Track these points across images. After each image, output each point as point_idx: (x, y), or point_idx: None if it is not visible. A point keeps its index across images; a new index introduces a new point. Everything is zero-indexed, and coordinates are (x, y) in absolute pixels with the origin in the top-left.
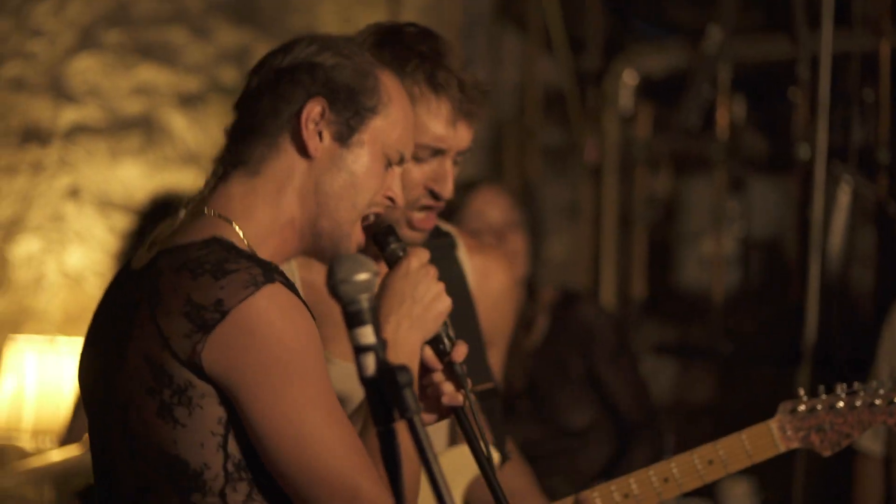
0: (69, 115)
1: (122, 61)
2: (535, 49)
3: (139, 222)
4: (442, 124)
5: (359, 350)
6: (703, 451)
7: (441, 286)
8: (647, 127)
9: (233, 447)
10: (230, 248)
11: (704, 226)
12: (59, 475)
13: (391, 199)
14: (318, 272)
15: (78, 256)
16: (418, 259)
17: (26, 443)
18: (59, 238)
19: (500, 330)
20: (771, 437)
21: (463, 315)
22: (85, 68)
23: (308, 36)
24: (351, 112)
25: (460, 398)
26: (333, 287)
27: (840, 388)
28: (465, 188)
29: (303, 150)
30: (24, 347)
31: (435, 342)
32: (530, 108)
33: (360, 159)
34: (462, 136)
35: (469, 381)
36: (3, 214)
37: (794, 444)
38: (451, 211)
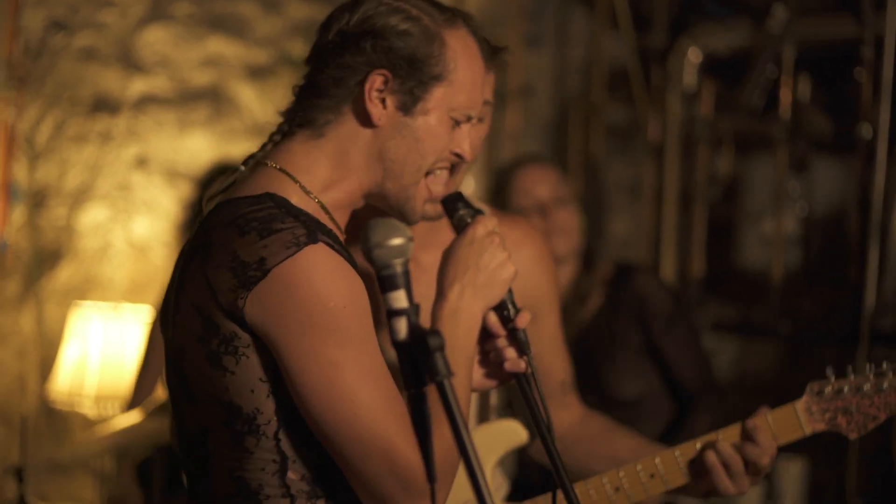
0: (138, 86)
1: (191, 33)
2: (601, 27)
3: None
4: None
5: (391, 314)
6: (729, 430)
7: (506, 254)
8: (711, 105)
9: (284, 394)
10: (281, 206)
11: (766, 205)
12: (119, 445)
13: (459, 155)
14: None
15: (144, 226)
16: (484, 226)
17: (89, 409)
18: (125, 207)
19: (540, 299)
20: (796, 419)
21: None
22: (155, 39)
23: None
24: (415, 81)
25: (522, 364)
26: (368, 251)
27: (868, 369)
28: (511, 166)
29: (366, 118)
30: (89, 314)
31: (499, 309)
32: (596, 86)
33: (426, 125)
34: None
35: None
36: (72, 183)
37: (821, 427)
38: (499, 188)
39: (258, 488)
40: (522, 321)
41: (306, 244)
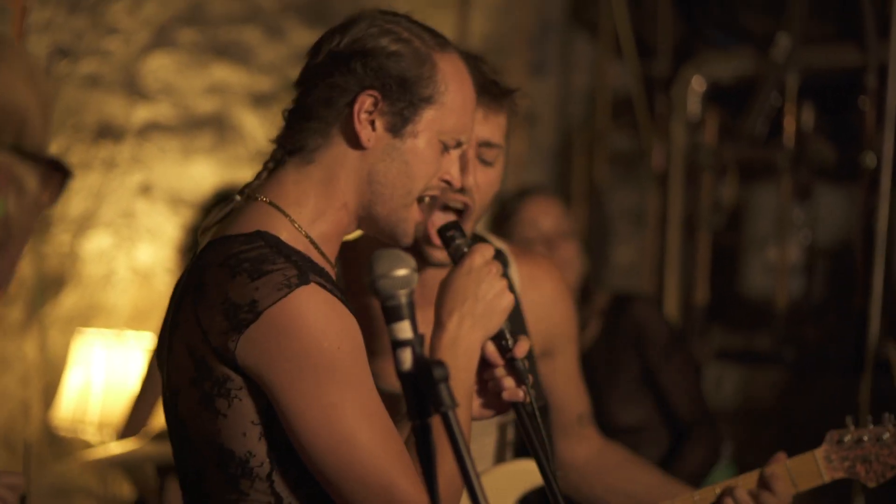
0: (142, 113)
1: (195, 60)
2: (605, 55)
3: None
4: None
5: (396, 345)
6: (747, 477)
7: (504, 283)
8: (715, 133)
9: (278, 435)
10: (272, 245)
11: (769, 233)
12: (122, 466)
13: (448, 181)
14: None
15: (148, 253)
16: (482, 256)
17: (91, 435)
18: (129, 234)
19: (559, 336)
20: (816, 466)
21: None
22: (159, 66)
23: (370, 15)
24: (405, 103)
25: (521, 394)
26: (372, 282)
27: (888, 419)
28: (517, 196)
29: (355, 140)
30: (92, 341)
31: (497, 338)
32: (599, 113)
33: (415, 148)
34: (476, 129)
35: (531, 378)
36: (76, 210)
37: (839, 475)
38: (504, 218)
39: None
40: (521, 350)
41: (298, 285)
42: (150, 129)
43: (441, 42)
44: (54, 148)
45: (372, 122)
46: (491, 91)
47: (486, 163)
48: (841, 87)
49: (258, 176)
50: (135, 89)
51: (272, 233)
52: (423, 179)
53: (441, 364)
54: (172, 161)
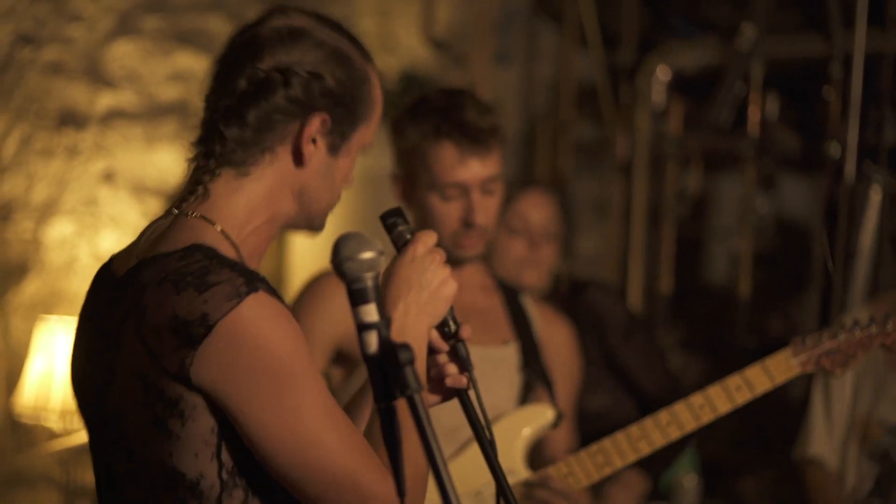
0: (106, 100)
1: (159, 47)
2: (569, 44)
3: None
4: (451, 164)
5: (361, 328)
6: (732, 379)
7: (447, 270)
8: (679, 123)
9: (226, 455)
10: (212, 256)
11: (734, 222)
12: (85, 455)
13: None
14: None
15: (111, 240)
16: (424, 244)
17: (54, 423)
18: (92, 222)
19: (564, 379)
20: (788, 361)
21: (530, 343)
22: (122, 54)
23: (302, 26)
24: (348, 124)
25: (464, 380)
26: (338, 265)
27: (839, 323)
28: (517, 186)
29: (298, 159)
30: (55, 328)
31: (440, 325)
32: (564, 102)
33: (344, 165)
34: (475, 171)
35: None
36: (39, 197)
37: (809, 368)
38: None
39: None
40: (464, 334)
41: (247, 293)
42: (113, 117)
43: (367, 53)
44: (17, 135)
45: (314, 141)
46: (479, 137)
47: (490, 192)
48: (805, 77)
49: (190, 193)
50: (98, 76)
51: (208, 244)
52: (340, 189)
53: (407, 347)
54: (136, 148)
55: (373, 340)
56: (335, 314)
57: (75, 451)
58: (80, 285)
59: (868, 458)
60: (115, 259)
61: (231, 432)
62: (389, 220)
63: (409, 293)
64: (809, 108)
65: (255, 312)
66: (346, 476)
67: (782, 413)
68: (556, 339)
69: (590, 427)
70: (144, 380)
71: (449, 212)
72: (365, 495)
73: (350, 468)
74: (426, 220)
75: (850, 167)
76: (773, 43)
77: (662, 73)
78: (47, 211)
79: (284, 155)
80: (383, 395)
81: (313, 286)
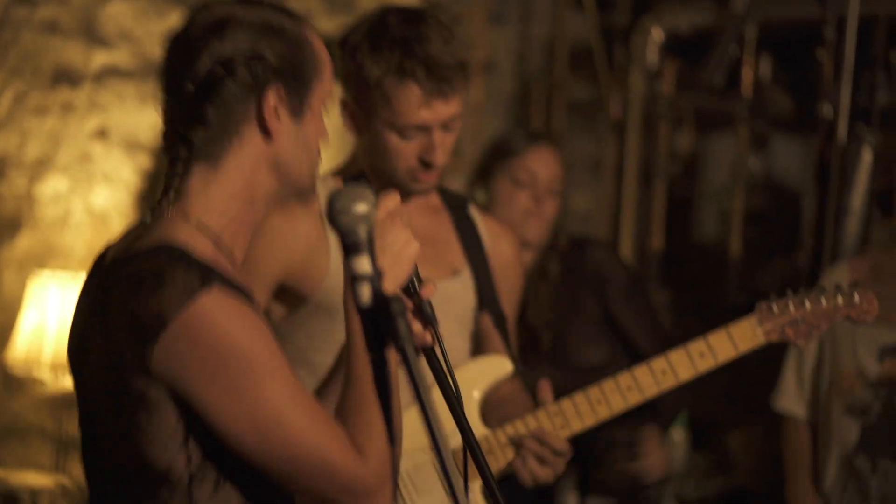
0: (100, 58)
1: (154, 7)
2: (564, 5)
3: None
4: (415, 106)
5: (355, 279)
6: (695, 345)
7: (408, 231)
8: (672, 84)
9: (194, 445)
10: (172, 255)
11: (726, 182)
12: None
13: (426, 161)
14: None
15: (104, 196)
16: (385, 208)
17: (46, 376)
18: (86, 178)
19: (507, 298)
20: (753, 329)
21: (482, 268)
22: (118, 13)
23: (227, 18)
24: (301, 86)
25: (429, 337)
26: (332, 218)
27: (805, 290)
28: (526, 137)
29: (264, 135)
30: (47, 282)
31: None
32: (558, 63)
33: (311, 125)
34: (439, 112)
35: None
36: (33, 154)
37: (773, 337)
38: (502, 153)
39: None
40: (427, 292)
41: (201, 289)
42: (107, 75)
43: (296, 16)
44: (11, 93)
45: (277, 113)
46: (445, 77)
47: (450, 129)
48: (799, 39)
49: (165, 194)
50: (93, 35)
51: (176, 243)
52: (316, 146)
53: (399, 299)
54: (129, 106)
55: (366, 292)
56: (278, 250)
57: (67, 403)
58: (72, 240)
59: (848, 412)
60: (109, 250)
61: (198, 422)
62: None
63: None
64: (802, 70)
65: (209, 307)
66: (315, 456)
67: (770, 366)
68: (502, 257)
69: (588, 381)
70: (110, 373)
71: (407, 149)
72: (334, 473)
73: (318, 449)
74: (380, 154)
75: (843, 128)
76: (767, 5)
77: (656, 34)
78: (41, 167)
79: (251, 134)
80: (376, 346)
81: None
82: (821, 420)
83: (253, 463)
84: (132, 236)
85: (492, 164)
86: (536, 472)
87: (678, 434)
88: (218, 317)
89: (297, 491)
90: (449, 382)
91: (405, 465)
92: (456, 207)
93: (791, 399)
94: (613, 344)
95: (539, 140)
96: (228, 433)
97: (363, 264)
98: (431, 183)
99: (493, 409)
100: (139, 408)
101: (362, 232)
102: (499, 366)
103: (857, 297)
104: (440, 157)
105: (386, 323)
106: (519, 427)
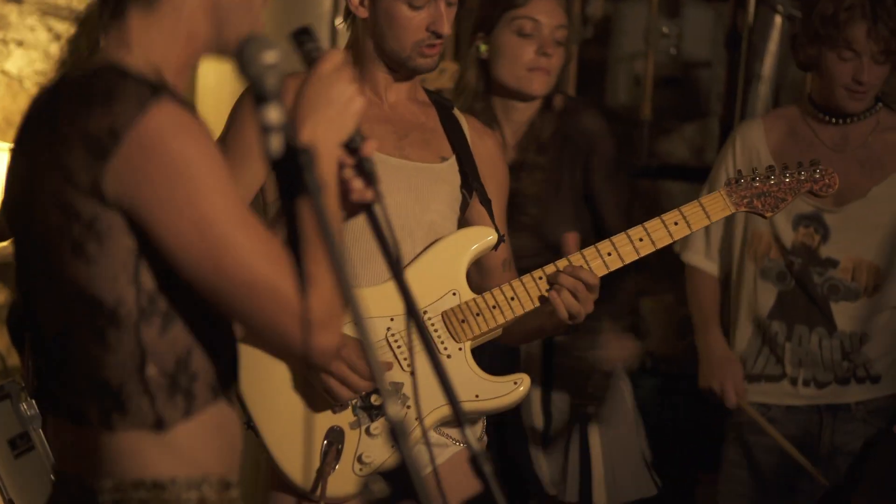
0: None
1: None
2: None
3: (82, 29)
4: None
5: (265, 130)
6: (669, 215)
7: (355, 87)
8: None
9: (145, 279)
10: (120, 73)
11: (638, 47)
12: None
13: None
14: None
15: (20, 61)
16: (332, 62)
17: None
18: (1, 41)
19: (498, 187)
20: (723, 201)
21: (467, 158)
22: None
23: None
24: None
25: (369, 194)
26: (242, 68)
27: (768, 169)
28: None
29: None
30: None
31: (348, 141)
32: None
33: None
34: None
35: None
36: None
37: (742, 208)
38: (503, 6)
39: (119, 387)
40: (369, 149)
41: (151, 100)
42: None
43: None
44: None
45: None
46: None
47: (452, 4)
48: None
49: (105, 32)
50: None
51: (122, 65)
52: (259, 11)
53: (307, 151)
54: None
55: (276, 143)
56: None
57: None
58: None
59: (763, 277)
60: (42, 89)
61: (149, 254)
62: (298, 39)
63: (318, 110)
64: None
65: (161, 120)
66: (264, 282)
67: None
68: (486, 152)
69: (553, 258)
70: (60, 200)
71: (417, 19)
72: (284, 302)
73: (267, 275)
74: (388, 29)
75: None
76: None
77: None
78: None
79: None
80: (287, 196)
81: (242, 98)
82: (733, 279)
83: (201, 290)
84: (73, 71)
85: (494, 15)
86: (571, 305)
87: None
88: (170, 127)
89: (247, 321)
90: (387, 240)
91: None
92: (442, 106)
93: (696, 253)
94: (588, 225)
95: None
96: (178, 255)
97: (272, 114)
98: (436, 58)
99: (477, 278)
100: (89, 238)
101: (271, 82)
102: (483, 234)
103: (818, 173)
104: (448, 27)
105: (296, 173)
106: (507, 290)
